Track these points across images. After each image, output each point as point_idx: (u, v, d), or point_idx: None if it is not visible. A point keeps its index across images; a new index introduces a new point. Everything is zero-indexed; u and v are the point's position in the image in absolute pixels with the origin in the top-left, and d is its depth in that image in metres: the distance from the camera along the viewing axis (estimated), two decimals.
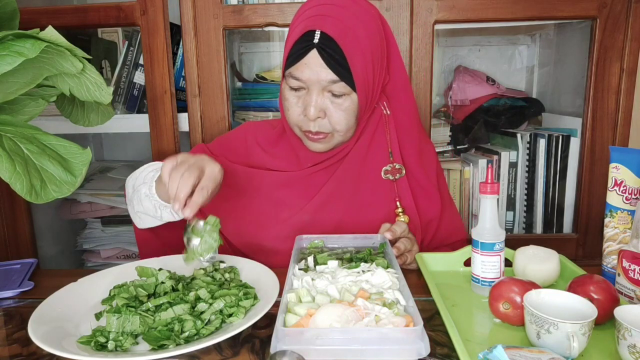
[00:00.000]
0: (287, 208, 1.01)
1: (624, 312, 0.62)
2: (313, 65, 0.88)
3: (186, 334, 0.67)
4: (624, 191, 0.83)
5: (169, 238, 1.03)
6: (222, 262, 0.89)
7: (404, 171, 1.02)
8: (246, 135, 1.09)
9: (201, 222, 0.83)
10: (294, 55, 0.90)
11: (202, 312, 0.72)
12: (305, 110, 0.91)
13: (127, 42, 1.47)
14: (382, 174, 1.01)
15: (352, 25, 0.89)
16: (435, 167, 1.08)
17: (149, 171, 0.97)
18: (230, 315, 0.72)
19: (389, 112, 1.02)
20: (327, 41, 0.87)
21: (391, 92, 1.02)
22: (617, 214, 0.84)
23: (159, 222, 0.96)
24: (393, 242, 0.91)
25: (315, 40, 0.87)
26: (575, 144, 1.46)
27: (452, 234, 1.08)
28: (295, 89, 0.93)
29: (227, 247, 1.03)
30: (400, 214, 1.01)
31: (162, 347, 0.65)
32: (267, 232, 1.00)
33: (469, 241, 0.89)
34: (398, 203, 1.01)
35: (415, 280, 0.89)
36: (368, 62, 0.91)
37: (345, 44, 0.88)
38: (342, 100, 0.91)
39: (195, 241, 0.83)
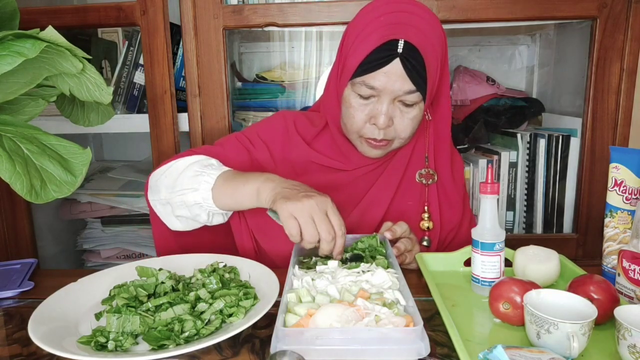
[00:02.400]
0: None
1: (624, 312, 0.62)
2: (392, 75, 0.86)
3: (186, 334, 0.67)
4: (624, 191, 0.83)
5: (188, 240, 1.00)
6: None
7: (436, 177, 1.02)
8: (286, 124, 1.03)
9: None
10: (372, 63, 0.86)
11: (202, 312, 0.72)
12: (375, 118, 0.90)
13: (127, 42, 1.47)
14: (417, 176, 1.02)
15: (429, 34, 0.88)
16: (462, 179, 1.09)
17: (194, 174, 0.89)
18: (230, 315, 0.72)
19: (430, 117, 1.02)
20: (411, 51, 0.85)
21: (436, 98, 1.01)
22: (617, 214, 0.84)
23: (199, 225, 0.93)
24: (393, 242, 0.91)
25: (400, 50, 0.85)
26: (575, 144, 1.46)
27: (464, 243, 1.08)
28: (365, 97, 0.90)
29: (256, 251, 1.00)
30: (427, 218, 1.01)
31: (162, 347, 0.65)
32: None
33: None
34: (426, 207, 1.01)
35: (415, 280, 0.89)
36: (437, 71, 0.91)
37: (426, 53, 0.86)
38: (411, 110, 0.90)
39: None
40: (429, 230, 1.01)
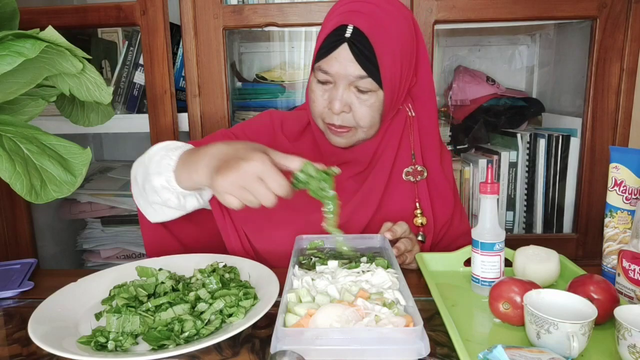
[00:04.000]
0: (318, 210, 0.90)
1: (624, 312, 0.62)
2: (342, 60, 0.88)
3: (186, 334, 0.67)
4: (624, 191, 0.83)
5: (183, 234, 0.99)
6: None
7: (425, 173, 1.02)
8: (273, 122, 1.06)
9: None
10: (325, 48, 0.90)
11: (202, 312, 0.72)
12: (331, 103, 0.91)
13: (127, 42, 1.47)
14: (404, 175, 1.02)
15: (385, 23, 0.90)
16: (452, 173, 1.09)
17: (160, 157, 0.87)
18: (230, 315, 0.72)
19: (413, 114, 1.02)
20: (359, 36, 0.87)
21: (417, 94, 1.02)
22: (617, 214, 0.84)
23: (182, 212, 0.92)
24: (393, 242, 0.91)
25: (347, 35, 0.88)
26: (575, 144, 1.46)
27: (458, 238, 1.09)
28: (323, 83, 0.93)
29: (244, 249, 0.99)
30: (419, 215, 1.01)
31: (162, 347, 0.65)
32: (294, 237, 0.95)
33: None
34: (418, 204, 1.01)
35: (415, 280, 0.89)
36: (397, 61, 0.91)
37: (376, 40, 0.88)
38: (367, 97, 0.91)
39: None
40: (423, 226, 1.01)
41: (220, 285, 0.78)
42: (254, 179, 0.72)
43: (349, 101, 0.91)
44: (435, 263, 0.91)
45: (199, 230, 1.01)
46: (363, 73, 0.89)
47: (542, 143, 1.50)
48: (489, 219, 0.80)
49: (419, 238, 1.02)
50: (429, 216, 1.02)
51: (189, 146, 0.90)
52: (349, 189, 1.00)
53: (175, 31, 1.43)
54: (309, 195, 0.80)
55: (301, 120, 1.05)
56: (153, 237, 1.00)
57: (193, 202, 0.90)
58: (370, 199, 1.00)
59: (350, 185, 1.01)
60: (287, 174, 0.75)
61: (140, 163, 0.92)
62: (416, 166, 1.02)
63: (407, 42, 0.93)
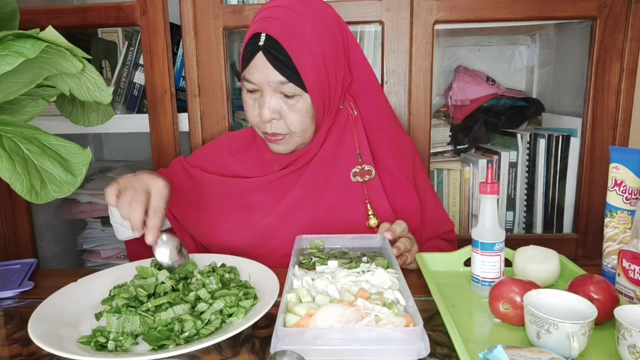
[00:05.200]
0: (256, 213, 1.01)
1: (624, 312, 0.62)
2: (261, 67, 0.90)
3: (186, 334, 0.67)
4: (624, 191, 0.83)
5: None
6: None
7: (373, 172, 1.00)
8: (221, 144, 1.12)
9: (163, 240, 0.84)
10: (245, 58, 0.92)
11: (202, 312, 0.72)
12: (260, 112, 0.93)
13: (127, 42, 1.47)
14: (351, 176, 1.00)
15: (298, 26, 0.90)
16: (412, 162, 1.07)
17: None
18: (230, 315, 0.72)
19: (356, 112, 1.01)
20: (272, 43, 0.88)
21: (357, 92, 1.02)
22: (617, 214, 0.84)
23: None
24: (393, 242, 0.91)
25: (261, 43, 0.89)
26: (575, 144, 1.46)
27: (440, 225, 1.08)
28: (251, 92, 0.95)
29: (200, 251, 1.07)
30: (371, 216, 0.99)
31: (162, 347, 0.65)
32: (236, 237, 1.01)
33: (463, 240, 0.88)
34: (368, 205, 0.99)
35: (415, 280, 0.89)
36: (319, 62, 0.91)
37: (289, 45, 0.88)
38: (294, 102, 0.92)
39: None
40: (377, 227, 0.98)
41: (220, 285, 0.78)
42: (139, 191, 0.82)
43: (277, 108, 0.92)
44: (435, 263, 0.91)
45: None
46: (283, 79, 0.89)
47: (542, 143, 1.50)
48: (489, 219, 0.80)
49: None
50: (385, 215, 0.99)
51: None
52: (285, 185, 1.01)
53: (175, 31, 1.43)
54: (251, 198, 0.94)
55: (247, 136, 1.09)
56: (133, 250, 1.09)
57: (130, 233, 0.94)
58: (308, 195, 1.00)
59: (286, 182, 1.02)
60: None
61: None
62: (363, 166, 1.00)
63: (327, 41, 0.92)
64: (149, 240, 0.80)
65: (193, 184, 1.08)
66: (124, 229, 1.02)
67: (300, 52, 0.89)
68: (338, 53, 0.95)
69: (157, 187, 0.84)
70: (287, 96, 0.92)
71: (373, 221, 0.99)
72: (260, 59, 0.89)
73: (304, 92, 0.91)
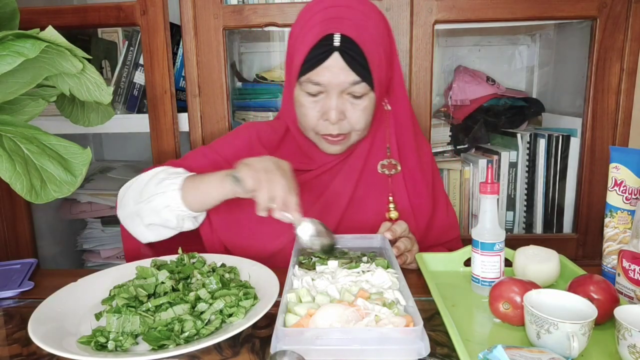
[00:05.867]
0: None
1: (624, 312, 0.62)
2: (334, 69, 0.88)
3: (186, 334, 0.67)
4: (624, 191, 0.83)
5: (165, 249, 0.99)
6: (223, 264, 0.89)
7: (399, 167, 1.02)
8: (250, 135, 1.06)
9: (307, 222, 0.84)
10: (313, 60, 0.89)
11: (202, 312, 0.72)
12: (326, 114, 0.91)
13: (127, 42, 1.47)
14: (379, 167, 1.02)
15: (367, 25, 0.90)
16: (430, 167, 1.08)
17: (159, 181, 0.90)
18: (230, 315, 0.72)
19: (389, 107, 1.02)
20: (348, 43, 0.88)
21: (392, 88, 1.02)
22: (617, 214, 0.84)
23: (174, 232, 0.94)
24: (393, 242, 0.91)
25: (336, 44, 0.87)
26: (575, 144, 1.46)
27: (446, 232, 1.09)
28: (314, 94, 0.92)
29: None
30: (392, 209, 1.01)
31: (162, 347, 0.65)
32: (283, 239, 0.96)
33: (463, 240, 0.88)
34: (391, 198, 1.01)
35: (415, 280, 0.89)
36: (382, 60, 0.92)
37: (364, 44, 0.88)
38: (361, 101, 0.92)
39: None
40: (396, 219, 0.99)
41: (220, 285, 0.78)
42: (277, 170, 0.80)
43: (342, 108, 0.92)
44: (435, 263, 0.91)
45: (182, 241, 1.00)
46: (357, 79, 0.89)
47: (542, 143, 1.50)
48: (489, 219, 0.80)
49: None
50: (404, 211, 1.01)
51: (186, 172, 0.93)
52: (323, 183, 1.01)
53: (175, 31, 1.43)
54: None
55: (278, 130, 1.05)
56: (135, 252, 1.02)
57: (189, 224, 0.93)
58: (342, 191, 1.00)
59: (325, 179, 1.02)
60: None
61: (130, 188, 0.96)
62: (390, 160, 1.02)
63: (386, 39, 0.94)
64: (296, 217, 0.80)
65: None
66: (163, 229, 0.94)
67: (372, 51, 0.89)
68: (391, 50, 0.96)
69: (289, 167, 0.83)
70: (355, 96, 0.91)
71: (394, 214, 1.01)
72: (335, 59, 0.88)
73: (370, 90, 0.91)
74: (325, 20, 0.90)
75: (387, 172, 1.02)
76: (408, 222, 1.01)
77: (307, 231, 0.83)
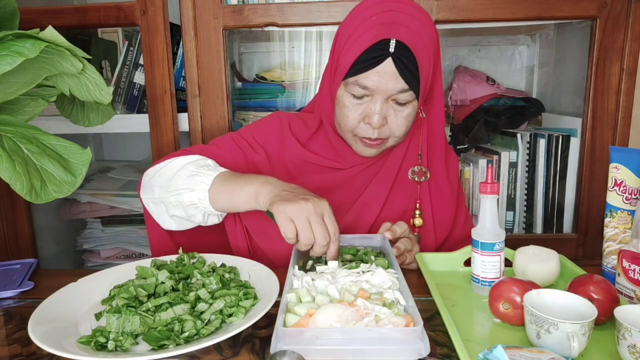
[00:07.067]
0: (336, 211, 0.93)
1: (624, 312, 0.62)
2: (385, 75, 0.87)
3: (186, 334, 0.67)
4: (624, 191, 0.83)
5: (183, 240, 1.00)
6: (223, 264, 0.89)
7: (428, 175, 1.03)
8: (281, 125, 1.04)
9: None
10: (365, 63, 0.87)
11: (202, 312, 0.72)
12: (368, 118, 0.90)
13: (127, 42, 1.47)
14: (410, 173, 1.02)
15: (422, 33, 0.89)
16: (457, 177, 1.09)
17: (190, 174, 0.89)
18: (230, 315, 0.72)
19: (424, 115, 1.02)
20: (403, 50, 0.86)
21: (431, 96, 1.01)
22: (617, 214, 0.84)
23: (194, 225, 0.94)
24: (393, 242, 0.91)
25: (391, 50, 0.86)
26: (575, 144, 1.46)
27: (462, 242, 1.08)
28: (358, 97, 0.91)
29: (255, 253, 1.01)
30: (418, 216, 1.01)
31: (162, 347, 0.65)
32: None
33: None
34: (418, 205, 1.02)
35: (415, 280, 0.89)
36: (430, 69, 0.91)
37: (418, 53, 0.87)
38: (404, 108, 0.91)
39: None
40: (419, 227, 1.01)
41: (220, 285, 0.78)
42: (319, 216, 0.77)
43: (385, 114, 0.90)
44: (435, 263, 0.91)
45: (204, 230, 1.00)
46: (405, 87, 0.87)
47: (542, 143, 1.50)
48: (489, 219, 0.80)
49: None
50: (429, 218, 1.02)
51: (217, 166, 0.92)
52: (356, 186, 1.01)
53: (175, 31, 1.43)
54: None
55: (310, 124, 1.04)
56: (159, 237, 1.02)
57: (214, 220, 0.92)
58: (376, 197, 1.01)
59: (358, 182, 1.01)
60: None
61: (157, 173, 0.94)
62: (422, 167, 1.02)
63: (436, 48, 0.93)
64: (330, 259, 0.79)
65: (254, 170, 1.00)
66: (186, 222, 0.93)
67: (423, 60, 0.88)
68: (436, 59, 0.95)
69: (328, 209, 0.79)
70: (399, 103, 0.90)
71: (418, 220, 1.01)
72: (388, 65, 0.86)
73: (415, 99, 0.90)
74: (381, 24, 0.87)
75: (417, 178, 1.02)
76: (428, 230, 1.02)
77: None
